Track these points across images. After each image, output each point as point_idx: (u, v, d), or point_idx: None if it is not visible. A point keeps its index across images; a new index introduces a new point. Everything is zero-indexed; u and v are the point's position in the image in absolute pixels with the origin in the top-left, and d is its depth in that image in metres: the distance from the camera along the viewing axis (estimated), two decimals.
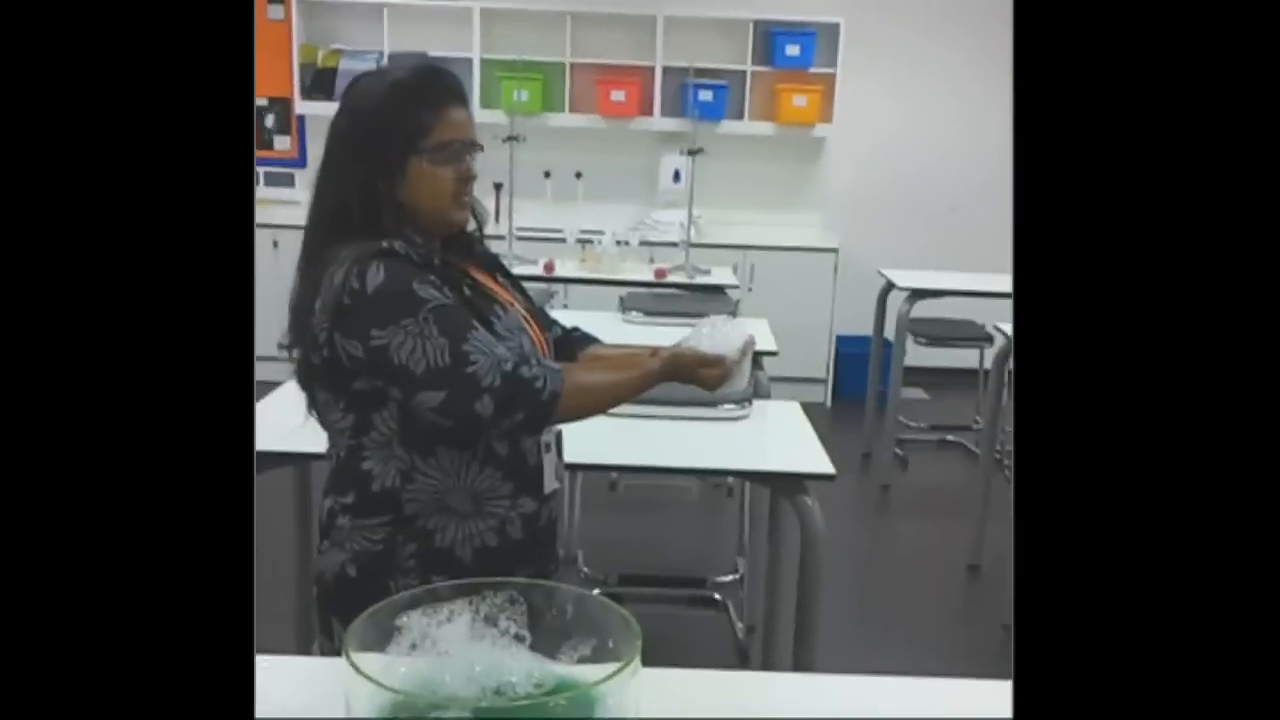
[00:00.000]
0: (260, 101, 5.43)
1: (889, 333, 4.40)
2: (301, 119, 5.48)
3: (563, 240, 4.29)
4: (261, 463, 1.93)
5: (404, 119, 1.42)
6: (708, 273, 4.07)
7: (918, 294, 4.19)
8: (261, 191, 5.44)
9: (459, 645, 0.83)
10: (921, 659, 2.97)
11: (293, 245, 1.50)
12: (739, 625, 3.05)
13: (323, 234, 1.44)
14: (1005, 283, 4.23)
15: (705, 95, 5.16)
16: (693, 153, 4.20)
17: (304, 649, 2.54)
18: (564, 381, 1.41)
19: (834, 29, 5.25)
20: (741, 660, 2.92)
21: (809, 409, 2.37)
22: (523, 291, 1.63)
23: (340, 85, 5.24)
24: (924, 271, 4.43)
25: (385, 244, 1.38)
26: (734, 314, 3.23)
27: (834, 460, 2.03)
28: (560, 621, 0.86)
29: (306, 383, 1.48)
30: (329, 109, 1.52)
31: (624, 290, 3.64)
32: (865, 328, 4.72)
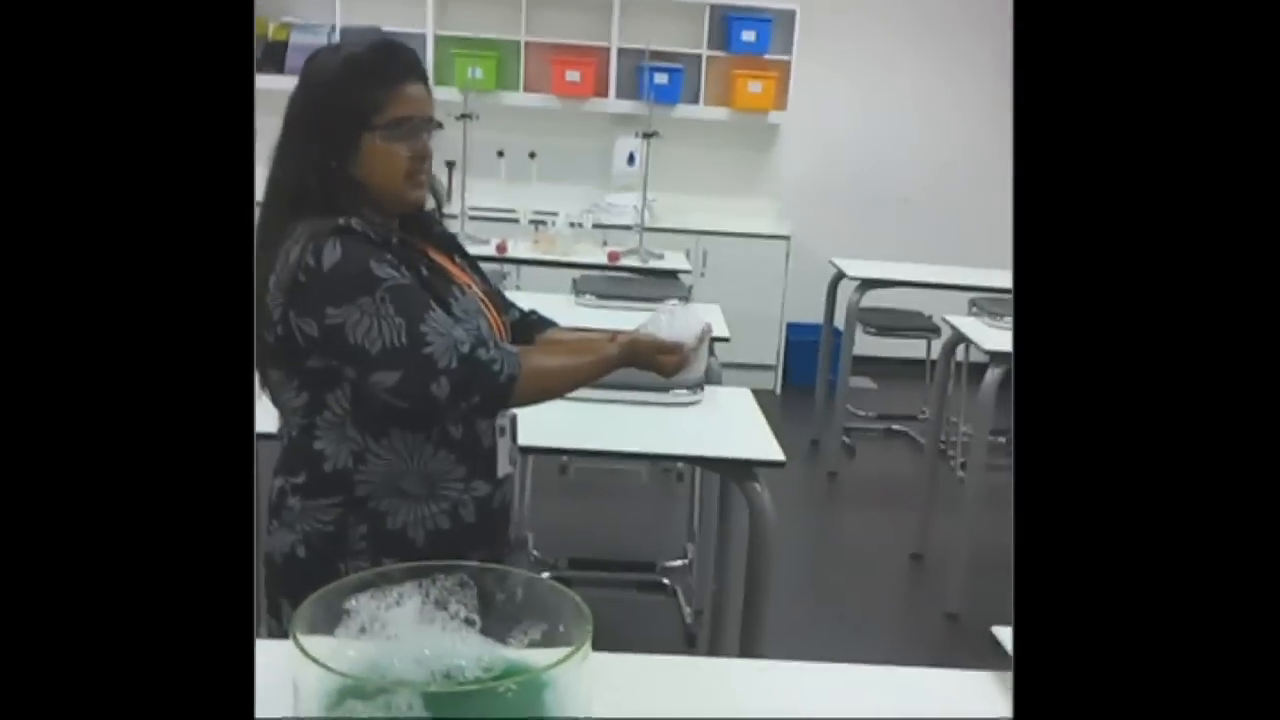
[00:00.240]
0: None
1: (839, 321, 4.44)
2: None
3: (516, 221, 4.26)
4: None
5: (357, 95, 1.40)
6: (661, 257, 4.07)
7: (868, 284, 4.23)
8: None
9: (408, 629, 0.82)
10: (866, 646, 3.01)
11: None
12: (687, 610, 3.07)
13: (278, 211, 1.41)
14: (953, 275, 4.30)
15: (660, 78, 5.15)
16: (647, 136, 4.19)
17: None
18: (521, 365, 1.40)
19: (790, 16, 5.26)
20: (689, 644, 2.94)
21: (758, 395, 2.39)
22: (480, 273, 1.62)
23: (291, 59, 5.15)
24: (875, 262, 4.48)
25: (342, 221, 1.36)
26: (687, 299, 3.24)
27: (783, 447, 2.04)
28: (510, 605, 0.86)
29: (260, 362, 1.46)
30: (279, 83, 1.49)
31: (577, 273, 3.63)
32: (816, 316, 4.76)
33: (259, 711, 0.79)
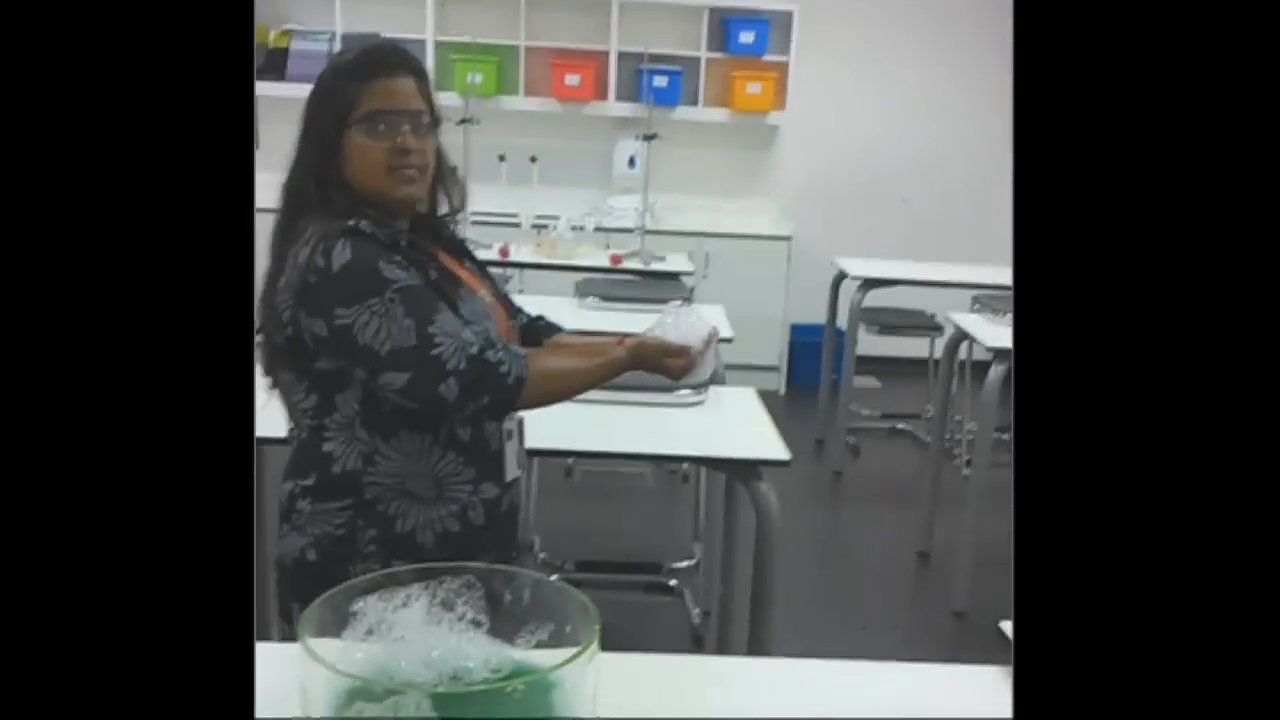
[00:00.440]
0: None
1: (842, 321, 4.44)
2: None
3: (518, 225, 4.26)
4: None
5: (338, 95, 1.42)
6: (663, 259, 4.07)
7: (870, 283, 4.23)
8: None
9: (416, 630, 0.82)
10: (873, 644, 3.01)
11: None
12: (694, 610, 3.07)
13: (288, 215, 1.44)
14: (956, 273, 4.30)
15: (660, 81, 5.15)
16: (648, 138, 4.20)
17: (261, 633, 2.51)
18: (529, 367, 1.40)
19: (787, 16, 5.26)
20: (697, 645, 2.94)
21: (763, 396, 2.39)
22: (489, 278, 1.62)
23: (292, 66, 5.16)
24: (876, 261, 4.47)
25: (351, 223, 1.37)
26: (689, 301, 3.24)
27: (788, 447, 2.04)
28: (518, 606, 0.86)
29: (270, 364, 1.46)
30: (281, 90, 1.51)
31: (579, 276, 3.63)
32: (818, 316, 4.75)
33: (266, 713, 0.79)
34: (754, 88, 5.31)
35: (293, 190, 1.45)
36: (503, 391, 1.38)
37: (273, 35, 5.28)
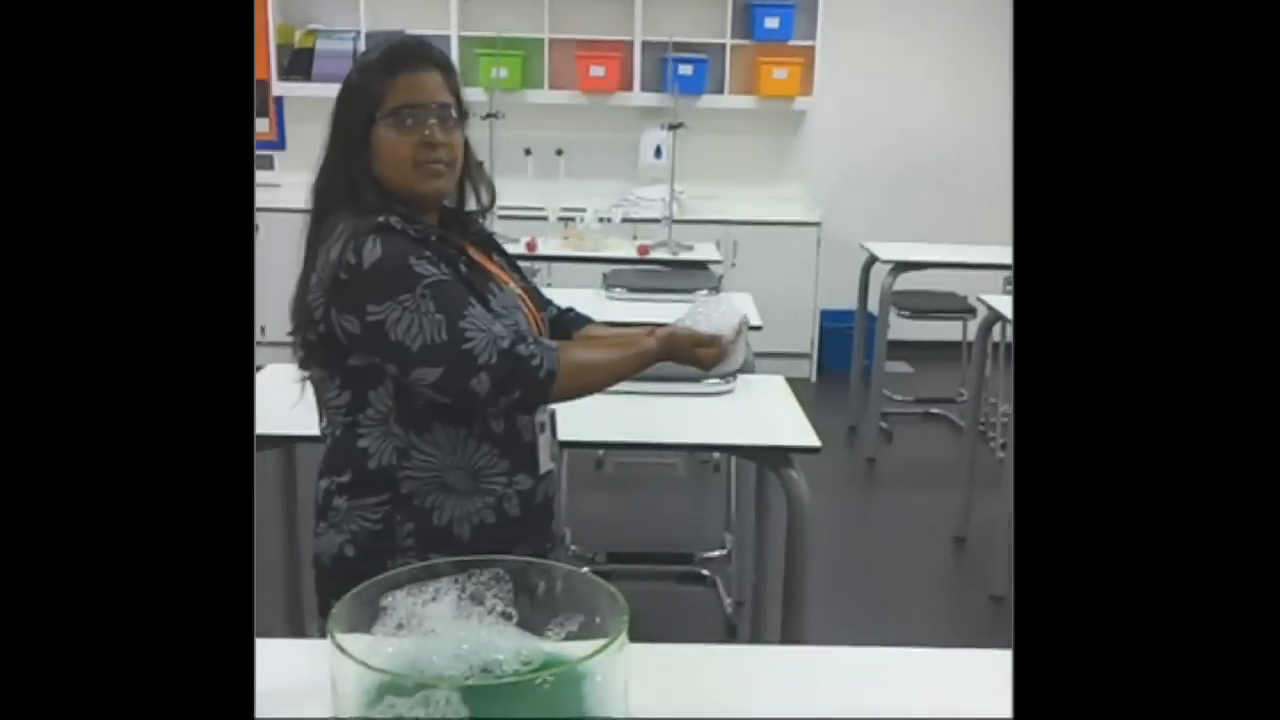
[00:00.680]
0: None
1: (872, 306, 4.40)
2: (280, 100, 5.42)
3: (544, 218, 4.27)
4: None
5: (365, 91, 1.43)
6: (691, 249, 4.07)
7: (900, 267, 4.19)
8: None
9: (446, 624, 0.83)
10: (909, 630, 2.99)
11: (273, 228, 1.50)
12: (727, 600, 3.06)
13: (318, 214, 1.46)
14: (988, 255, 4.25)
15: (685, 69, 5.13)
16: (673, 127, 4.18)
17: (294, 632, 2.54)
18: (560, 360, 1.40)
19: (812, 1, 5.22)
20: (730, 635, 2.94)
21: (794, 384, 2.38)
22: (518, 270, 1.63)
23: (318, 66, 5.19)
24: (906, 244, 4.44)
25: (381, 219, 1.38)
26: (717, 290, 3.23)
27: (819, 434, 2.03)
28: (547, 598, 0.86)
29: (306, 363, 1.48)
30: (307, 90, 1.52)
31: (607, 267, 3.63)
32: (849, 302, 4.73)
33: (301, 708, 0.80)
34: (780, 73, 5.28)
35: (322, 188, 1.46)
36: (534, 385, 1.38)
37: (298, 35, 5.31)
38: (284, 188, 5.17)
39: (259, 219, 4.75)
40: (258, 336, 1.48)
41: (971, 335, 3.94)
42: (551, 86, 5.32)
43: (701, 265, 3.89)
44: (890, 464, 4.35)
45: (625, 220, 4.43)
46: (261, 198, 4.96)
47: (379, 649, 0.79)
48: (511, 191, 4.45)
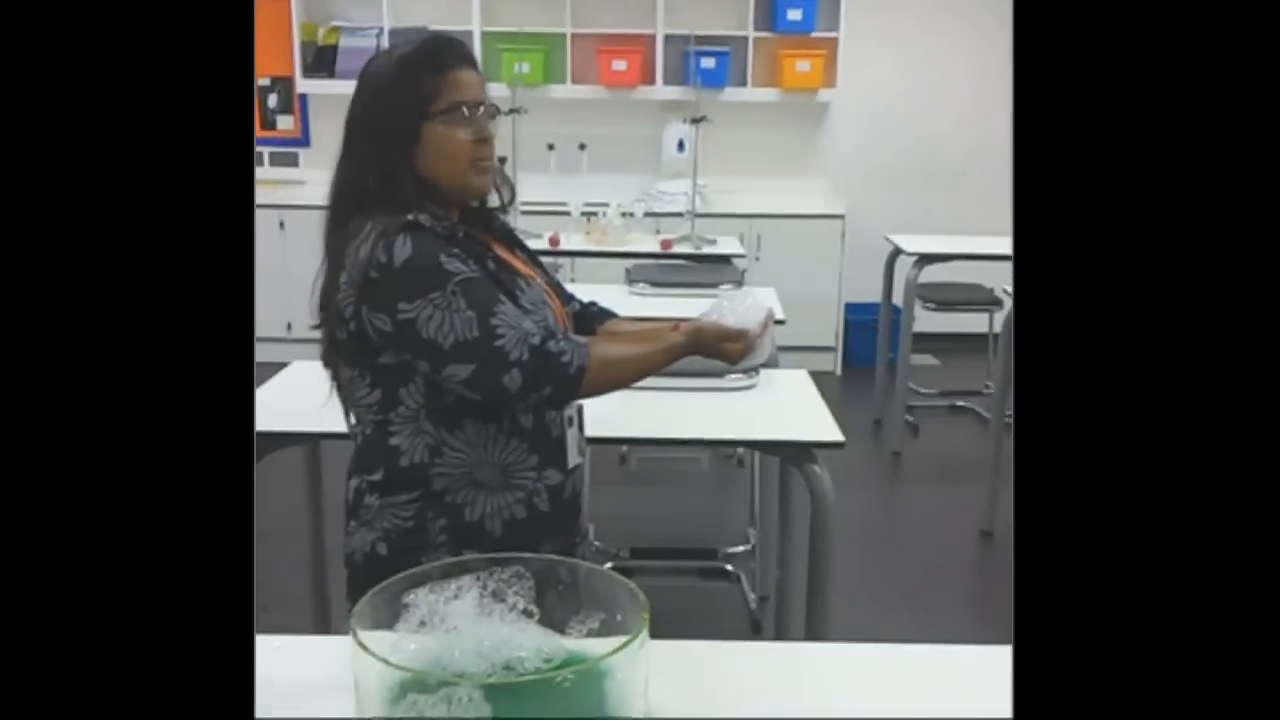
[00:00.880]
0: (262, 81, 5.40)
1: (897, 299, 4.38)
2: (304, 98, 5.45)
3: (567, 213, 4.27)
4: (271, 443, 1.93)
5: (413, 87, 1.42)
6: (714, 242, 4.05)
7: (925, 259, 4.16)
8: (266, 172, 5.41)
9: (467, 621, 0.83)
10: (936, 626, 2.97)
11: (298, 225, 1.51)
12: (751, 596, 3.06)
13: (344, 212, 1.44)
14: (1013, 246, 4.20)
15: (707, 63, 5.12)
16: (696, 121, 4.17)
17: (320, 628, 2.56)
18: (590, 356, 1.41)
19: None
20: (754, 630, 2.93)
21: (819, 377, 2.36)
22: (541, 266, 1.63)
23: (341, 63, 5.21)
24: (931, 236, 4.40)
25: (411, 217, 1.38)
26: (740, 283, 3.22)
27: (845, 428, 2.02)
28: (569, 596, 0.86)
29: (331, 360, 1.48)
30: (331, 87, 1.52)
31: (630, 262, 3.63)
32: (874, 294, 4.70)
33: (327, 708, 0.80)
34: (803, 66, 5.25)
35: (350, 187, 1.44)
36: (565, 381, 1.39)
37: (321, 33, 5.34)
38: (309, 184, 5.22)
39: (285, 215, 4.80)
40: (283, 333, 1.50)
41: (998, 327, 3.91)
42: (574, 81, 5.32)
43: (725, 259, 3.88)
44: (916, 457, 4.32)
45: (648, 215, 4.43)
46: (286, 194, 5.00)
47: (401, 646, 0.80)
48: (534, 186, 4.46)
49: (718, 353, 1.54)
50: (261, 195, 4.94)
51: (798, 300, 3.28)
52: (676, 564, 3.29)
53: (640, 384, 1.55)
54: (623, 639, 0.77)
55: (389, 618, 0.82)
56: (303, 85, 5.34)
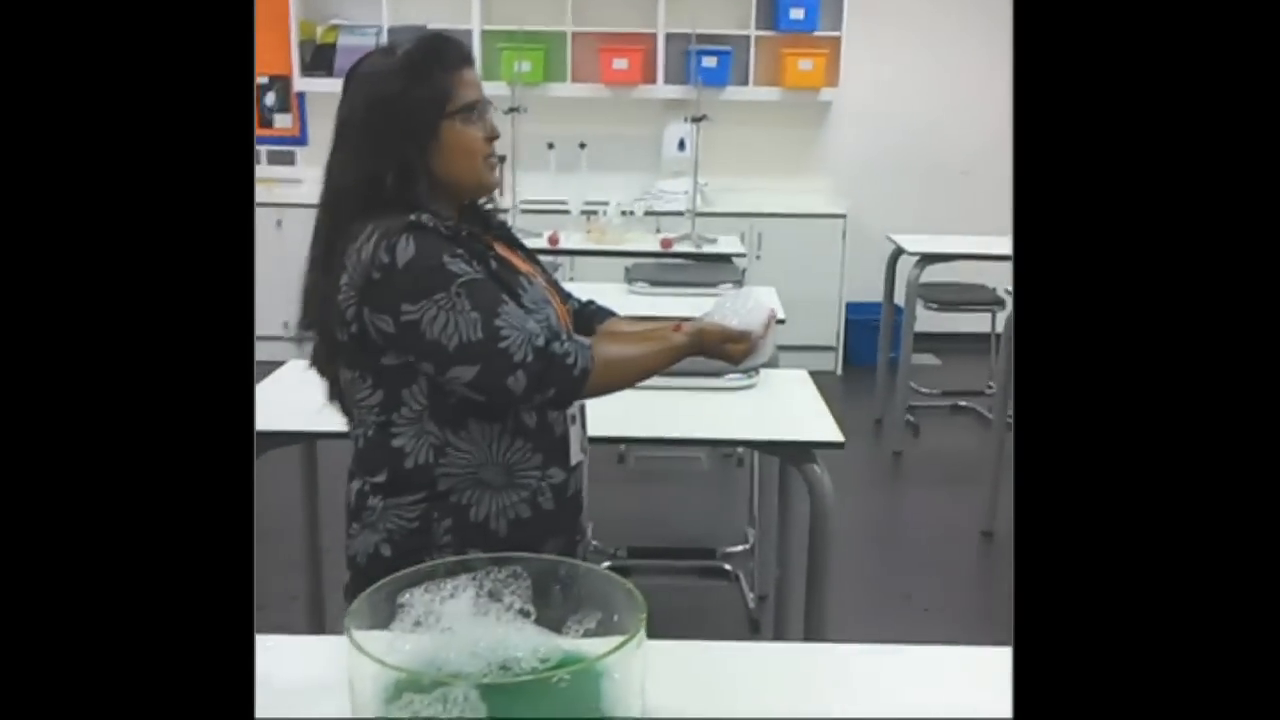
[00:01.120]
0: (260, 80, 5.39)
1: (899, 298, 4.37)
2: (302, 96, 5.45)
3: (567, 212, 4.26)
4: (267, 442, 1.93)
5: (428, 86, 1.41)
6: (714, 241, 4.05)
7: (927, 259, 4.15)
8: (264, 170, 5.41)
9: (463, 621, 0.82)
10: (936, 626, 2.97)
11: (297, 223, 1.49)
12: (750, 595, 3.05)
13: (346, 213, 1.41)
14: None
15: (709, 61, 5.11)
16: (697, 120, 4.16)
17: (316, 628, 2.55)
18: (594, 358, 1.40)
19: None
20: (753, 630, 2.92)
21: (820, 377, 2.36)
22: (539, 264, 1.62)
23: (340, 61, 5.21)
24: (933, 236, 4.39)
25: (413, 217, 1.37)
26: (740, 283, 3.21)
27: (845, 428, 2.01)
28: (566, 596, 0.86)
29: (327, 363, 1.47)
30: (329, 85, 1.51)
31: (629, 261, 3.62)
32: (875, 294, 4.69)
33: (323, 708, 0.79)
34: (805, 64, 5.24)
35: (355, 188, 1.41)
36: (569, 383, 1.39)
37: (320, 31, 5.33)
38: (306, 183, 5.21)
39: (284, 214, 4.79)
40: (280, 331, 1.49)
41: (999, 327, 3.90)
42: (574, 80, 5.31)
43: (725, 258, 3.87)
44: (917, 457, 4.32)
45: (648, 213, 4.42)
46: (284, 193, 4.99)
47: (397, 646, 0.79)
48: (534, 185, 4.46)
49: (720, 353, 1.54)
50: (259, 194, 4.94)
51: (799, 299, 3.28)
52: (675, 563, 3.28)
53: (639, 383, 1.55)
54: (619, 639, 0.76)
55: (385, 618, 0.82)
56: (301, 83, 5.33)
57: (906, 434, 4.40)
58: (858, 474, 3.96)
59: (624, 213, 4.05)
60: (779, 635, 2.48)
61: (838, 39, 5.24)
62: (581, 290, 1.76)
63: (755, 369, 2.25)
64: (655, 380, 1.63)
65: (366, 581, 1.44)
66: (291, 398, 1.59)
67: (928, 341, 5.00)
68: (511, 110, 3.95)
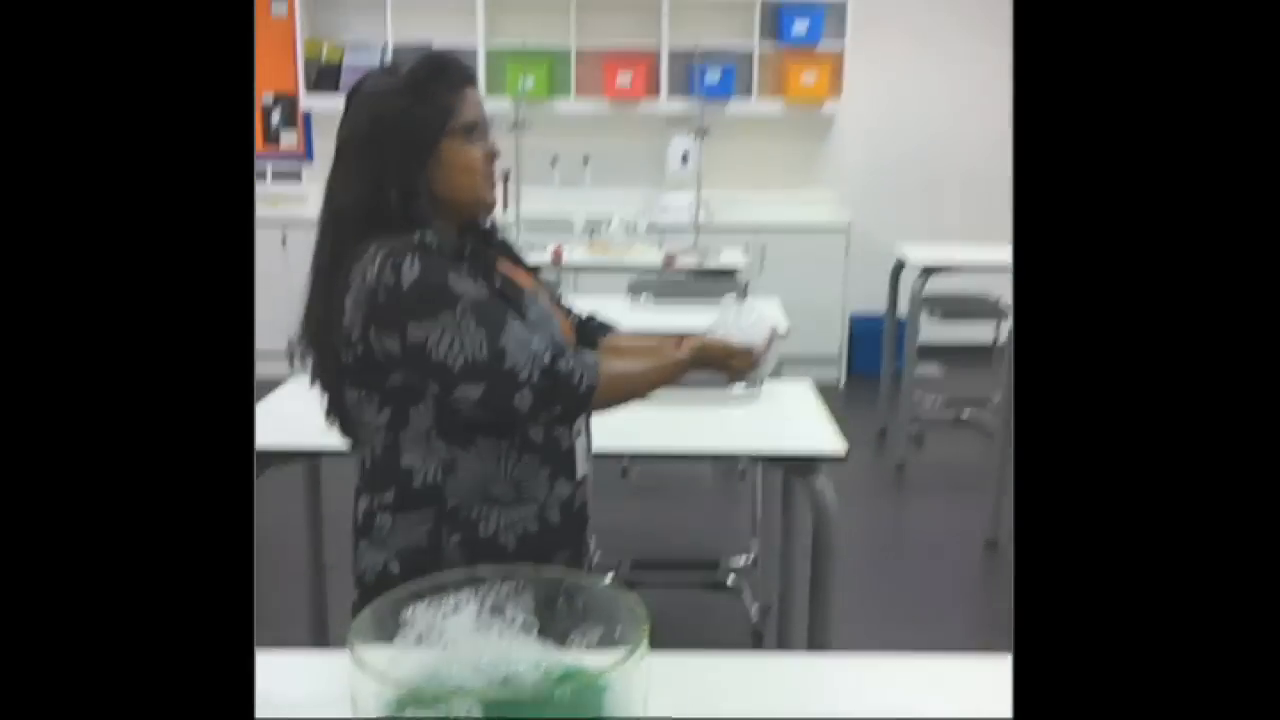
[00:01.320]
0: (266, 98, 5.43)
1: (902, 310, 4.37)
2: (307, 114, 5.48)
3: (571, 227, 4.27)
4: (270, 459, 1.93)
5: (430, 105, 1.42)
6: (718, 255, 4.05)
7: (930, 270, 4.16)
8: (269, 188, 5.44)
9: (466, 636, 0.83)
10: (940, 637, 2.96)
11: (301, 241, 1.49)
12: (753, 607, 3.05)
13: (348, 234, 1.41)
14: None
15: (712, 76, 5.13)
16: (700, 134, 4.18)
17: (318, 643, 2.55)
18: (599, 374, 1.41)
19: (841, 4, 5.20)
20: (756, 642, 2.92)
21: (823, 389, 2.36)
22: (540, 279, 1.63)
23: (345, 79, 5.24)
24: (936, 247, 4.40)
25: (418, 237, 1.37)
26: (743, 295, 3.22)
27: (849, 439, 2.02)
28: (568, 610, 0.86)
29: (330, 383, 1.47)
30: (335, 103, 1.51)
31: (632, 274, 3.63)
32: (878, 305, 4.69)
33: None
34: (809, 77, 5.26)
35: (357, 208, 1.41)
36: (574, 400, 1.39)
37: (325, 49, 5.36)
38: (311, 200, 5.23)
39: (288, 231, 4.81)
40: (283, 348, 1.49)
41: (1003, 338, 3.90)
42: (578, 95, 5.33)
43: (728, 272, 3.88)
44: (921, 469, 4.31)
45: (652, 227, 4.43)
46: (289, 210, 5.02)
47: (399, 662, 0.79)
48: (538, 200, 4.48)
49: (723, 369, 1.55)
50: (264, 210, 4.96)
51: (802, 311, 3.28)
52: (678, 576, 3.28)
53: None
54: (622, 653, 0.76)
55: (388, 633, 0.82)
56: (306, 102, 5.36)
57: (910, 445, 4.40)
58: (861, 485, 3.95)
59: (628, 227, 4.06)
60: (782, 646, 2.47)
61: (841, 52, 5.26)
62: (586, 305, 1.77)
63: (758, 382, 2.25)
64: (658, 392, 1.63)
65: (375, 599, 1.45)
66: (295, 414, 1.59)
67: (931, 352, 4.99)
68: (516, 125, 3.97)
